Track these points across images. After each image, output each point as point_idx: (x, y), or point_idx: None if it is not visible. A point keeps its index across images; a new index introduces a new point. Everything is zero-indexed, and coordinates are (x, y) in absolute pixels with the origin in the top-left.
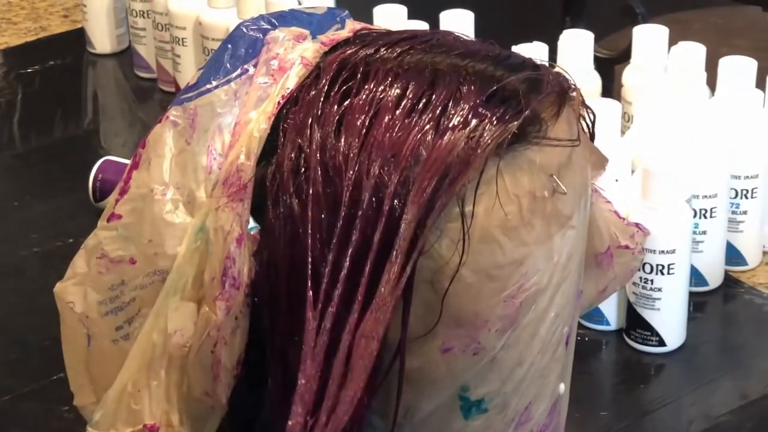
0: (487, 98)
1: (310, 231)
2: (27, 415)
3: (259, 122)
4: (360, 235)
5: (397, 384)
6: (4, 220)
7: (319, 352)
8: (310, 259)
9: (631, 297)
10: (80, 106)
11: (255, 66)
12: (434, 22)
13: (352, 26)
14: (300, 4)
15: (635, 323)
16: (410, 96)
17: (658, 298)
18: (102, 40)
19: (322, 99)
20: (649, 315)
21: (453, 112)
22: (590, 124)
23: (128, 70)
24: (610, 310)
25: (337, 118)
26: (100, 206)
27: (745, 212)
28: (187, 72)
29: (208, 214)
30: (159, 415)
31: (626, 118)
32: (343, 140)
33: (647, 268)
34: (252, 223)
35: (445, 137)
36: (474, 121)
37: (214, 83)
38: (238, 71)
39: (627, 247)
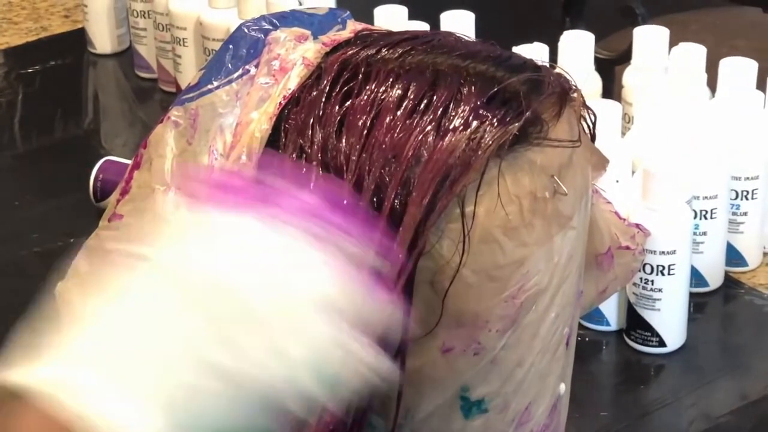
0: (488, 99)
1: None
2: None
3: (260, 122)
4: None
5: (397, 384)
6: (4, 220)
7: None
8: None
9: (631, 297)
10: (81, 106)
11: (256, 66)
12: (435, 23)
13: (353, 27)
14: (301, 4)
15: (635, 324)
16: (411, 97)
17: (659, 299)
18: (103, 40)
19: (323, 99)
20: (649, 315)
21: (454, 113)
22: (591, 125)
23: (129, 71)
24: (611, 310)
25: (338, 118)
26: (101, 206)
27: (745, 213)
28: (188, 72)
29: None
30: None
31: (627, 119)
32: (344, 141)
33: (647, 268)
34: None
35: (446, 138)
36: (475, 123)
37: (216, 83)
38: (240, 71)
39: (627, 247)
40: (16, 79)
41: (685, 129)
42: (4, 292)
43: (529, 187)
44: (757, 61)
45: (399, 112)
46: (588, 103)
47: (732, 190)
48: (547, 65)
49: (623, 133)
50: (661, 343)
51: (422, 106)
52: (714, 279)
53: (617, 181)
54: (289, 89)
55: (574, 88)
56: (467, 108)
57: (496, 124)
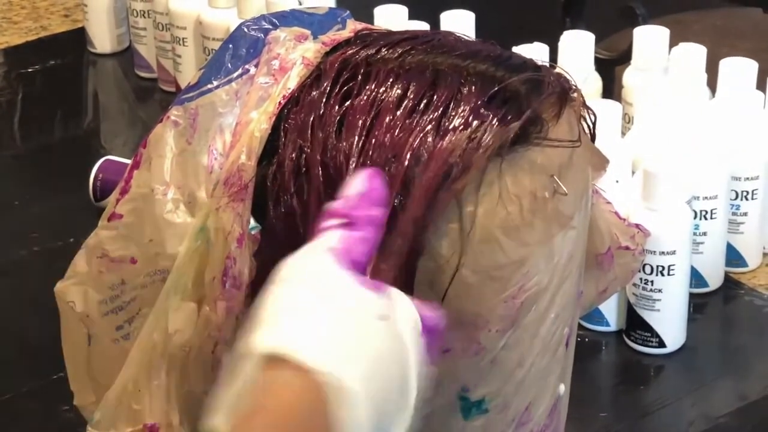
0: (489, 99)
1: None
2: (27, 415)
3: (260, 122)
4: None
5: None
6: (4, 219)
7: None
8: None
9: (631, 298)
10: (81, 106)
11: (256, 66)
12: (435, 23)
13: (353, 26)
14: (301, 4)
15: (635, 324)
16: (411, 97)
17: (658, 299)
18: (102, 39)
19: (323, 99)
20: (649, 316)
21: (454, 113)
22: (591, 125)
23: (129, 70)
24: (610, 311)
25: (338, 118)
26: (101, 206)
27: (745, 214)
28: (188, 72)
29: (209, 214)
30: (159, 415)
31: (627, 119)
32: (344, 141)
33: (647, 269)
34: (253, 223)
35: (446, 138)
36: (475, 123)
37: (215, 83)
38: (239, 71)
39: (627, 248)
40: (16, 78)
41: (685, 129)
42: (4, 292)
43: (530, 187)
44: (758, 61)
45: (399, 112)
46: (588, 103)
47: (732, 190)
48: (548, 65)
49: (623, 133)
50: (661, 344)
51: (422, 105)
52: (714, 279)
53: (617, 181)
54: (289, 89)
55: (574, 88)
56: (467, 108)
57: (496, 123)
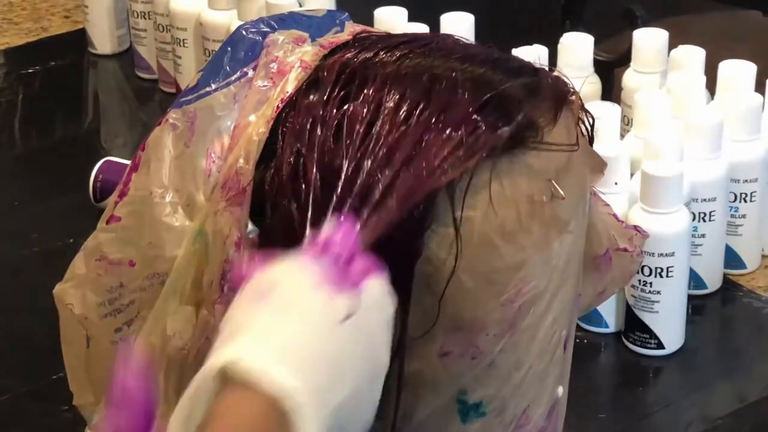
0: (483, 104)
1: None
2: (27, 415)
3: (258, 126)
4: None
5: (395, 387)
6: (4, 220)
7: None
8: None
9: (629, 300)
10: (81, 107)
11: (254, 69)
12: (434, 25)
13: (351, 29)
14: (300, 6)
15: (634, 326)
16: (407, 101)
17: (657, 301)
18: (103, 40)
19: (321, 103)
20: (647, 318)
21: (448, 118)
22: (589, 128)
23: (129, 71)
24: (609, 312)
25: (335, 122)
26: (101, 207)
27: (743, 216)
28: (188, 73)
29: (207, 218)
30: (157, 416)
31: (626, 122)
32: (340, 144)
33: (646, 270)
34: (250, 227)
35: (440, 142)
36: (468, 128)
37: (214, 86)
38: (238, 74)
39: (625, 249)
40: (16, 79)
41: (683, 131)
42: (4, 292)
43: (527, 191)
44: (757, 64)
45: (395, 117)
46: (587, 105)
47: (730, 192)
48: (546, 68)
49: (622, 136)
50: (660, 345)
51: (418, 110)
52: (712, 281)
53: (616, 183)
54: (287, 92)
55: (572, 91)
56: (461, 113)
57: (488, 129)
